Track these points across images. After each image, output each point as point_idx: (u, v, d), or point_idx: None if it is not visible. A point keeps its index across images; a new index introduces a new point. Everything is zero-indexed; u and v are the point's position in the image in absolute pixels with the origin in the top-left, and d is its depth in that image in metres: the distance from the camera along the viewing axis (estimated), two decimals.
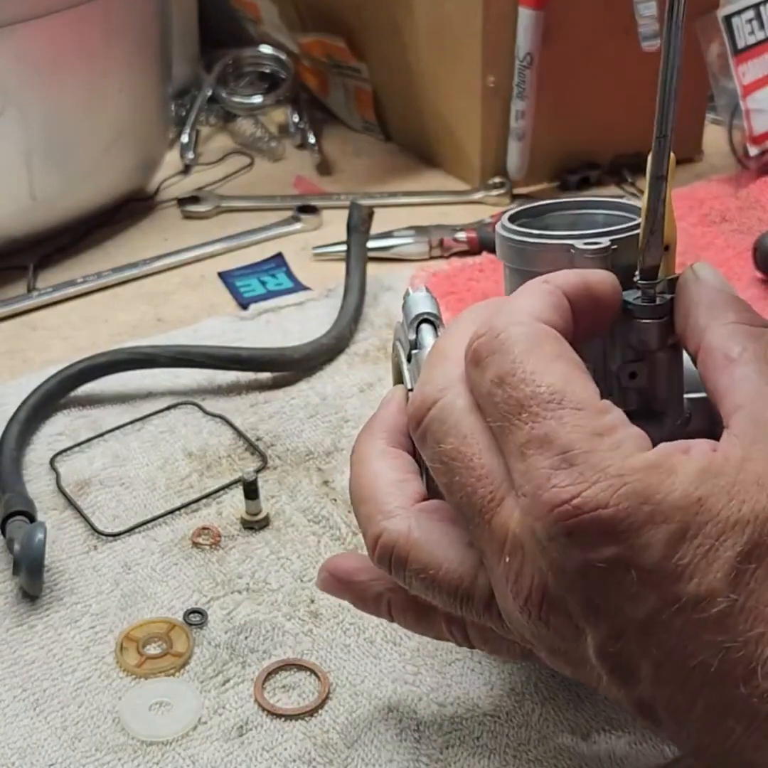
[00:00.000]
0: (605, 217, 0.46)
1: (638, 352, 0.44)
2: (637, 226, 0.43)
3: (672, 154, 0.41)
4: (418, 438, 0.42)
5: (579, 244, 0.44)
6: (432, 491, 0.44)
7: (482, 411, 0.40)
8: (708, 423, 0.39)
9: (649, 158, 0.41)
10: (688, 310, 0.42)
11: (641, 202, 0.43)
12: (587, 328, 0.42)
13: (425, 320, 0.48)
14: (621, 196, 0.99)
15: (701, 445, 0.38)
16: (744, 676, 0.36)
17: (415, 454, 0.46)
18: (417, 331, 0.48)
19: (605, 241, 0.43)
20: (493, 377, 0.39)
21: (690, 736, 0.38)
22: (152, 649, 0.56)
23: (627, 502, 0.36)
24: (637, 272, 0.43)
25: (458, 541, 0.42)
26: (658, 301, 0.43)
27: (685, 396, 0.45)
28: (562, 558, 0.37)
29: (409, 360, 0.48)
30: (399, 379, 0.51)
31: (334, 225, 0.94)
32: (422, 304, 0.49)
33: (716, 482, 0.37)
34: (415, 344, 0.48)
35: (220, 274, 0.90)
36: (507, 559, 0.38)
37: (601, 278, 0.42)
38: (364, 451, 0.47)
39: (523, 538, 0.38)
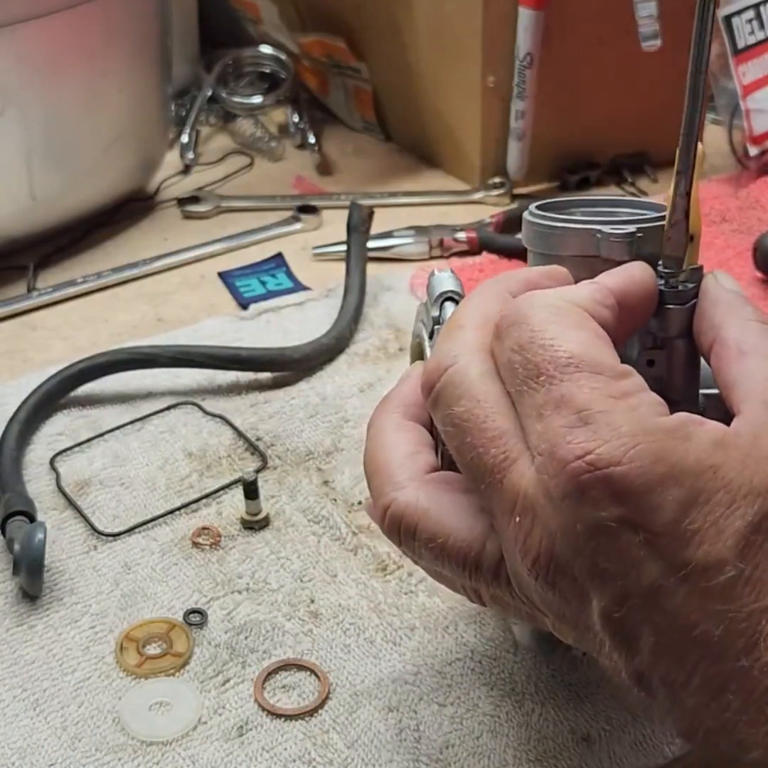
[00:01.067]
0: (628, 214, 0.47)
1: (657, 340, 0.45)
2: (663, 217, 0.44)
3: (700, 146, 0.42)
4: (430, 403, 0.42)
5: (606, 229, 0.45)
6: (446, 464, 0.45)
7: (503, 380, 0.41)
8: (721, 419, 0.39)
9: (677, 152, 0.42)
10: (706, 308, 0.43)
11: (663, 200, 0.43)
12: (633, 323, 0.43)
13: (449, 298, 0.49)
14: (622, 195, 0.99)
15: (715, 423, 0.39)
16: (746, 647, 0.36)
17: (431, 428, 0.46)
18: (441, 309, 0.49)
19: (632, 228, 0.44)
20: (513, 345, 0.40)
21: (684, 712, 0.38)
22: (152, 649, 0.56)
23: (639, 461, 0.36)
24: (660, 261, 0.44)
25: (467, 510, 0.42)
26: (680, 288, 0.44)
27: (701, 391, 0.46)
28: (573, 516, 0.37)
29: (431, 337, 0.49)
30: (417, 359, 0.51)
31: (334, 225, 0.95)
32: (447, 283, 0.50)
33: (729, 453, 0.37)
34: (438, 321, 0.49)
35: (220, 274, 0.90)
36: (517, 520, 0.39)
37: (644, 272, 0.43)
38: (378, 424, 0.47)
39: (535, 498, 0.38)
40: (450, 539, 0.42)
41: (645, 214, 0.46)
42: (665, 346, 0.45)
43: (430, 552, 0.43)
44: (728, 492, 0.36)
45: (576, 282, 0.44)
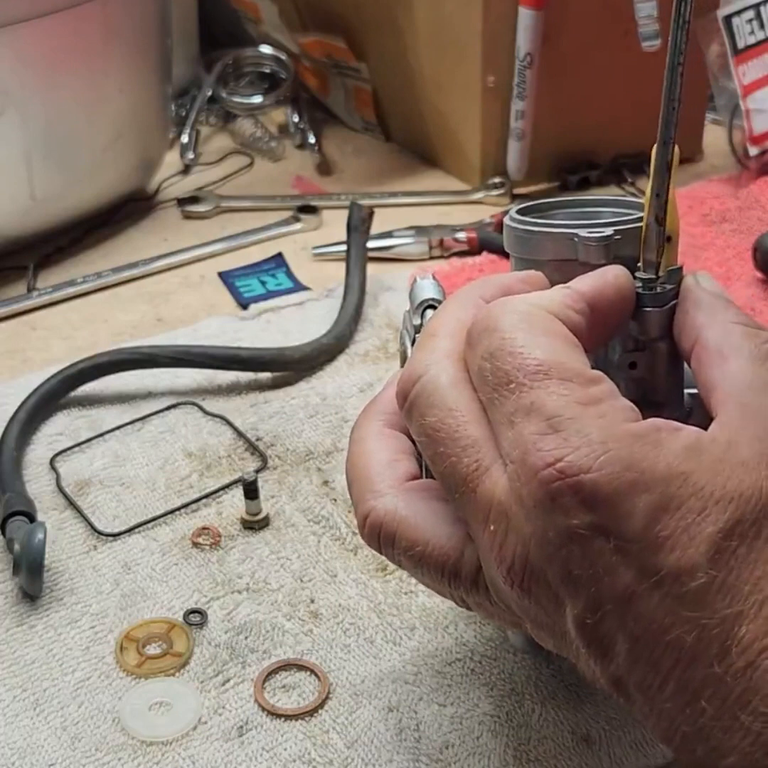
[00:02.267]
0: (611, 214, 0.47)
1: (638, 342, 0.44)
2: (641, 218, 0.43)
3: (676, 148, 0.42)
4: (404, 413, 0.42)
5: (582, 232, 0.44)
6: (427, 472, 0.45)
7: (475, 388, 0.41)
8: (708, 419, 0.39)
9: (653, 153, 0.42)
10: (687, 310, 0.43)
11: (644, 199, 0.43)
12: (609, 327, 0.43)
13: (431, 306, 0.49)
14: (622, 196, 0.99)
15: (690, 428, 0.38)
16: (719, 654, 0.36)
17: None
18: (422, 316, 0.49)
19: (608, 231, 0.44)
20: (483, 353, 0.40)
21: (661, 717, 0.38)
22: (152, 649, 0.56)
23: (609, 468, 0.36)
24: (639, 263, 0.44)
25: (445, 519, 0.43)
26: (658, 290, 0.43)
27: (686, 391, 0.46)
28: (545, 524, 0.37)
29: (413, 345, 0.49)
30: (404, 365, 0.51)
31: (334, 225, 0.95)
32: (428, 291, 0.50)
33: (702, 459, 0.37)
34: (419, 329, 0.49)
35: (220, 274, 0.90)
36: (491, 528, 0.39)
37: (619, 275, 0.43)
38: (361, 432, 0.47)
39: (508, 506, 0.38)
40: (428, 547, 0.42)
41: (628, 214, 0.46)
42: (646, 348, 0.44)
43: (408, 560, 0.43)
44: (700, 498, 0.36)
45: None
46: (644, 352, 0.44)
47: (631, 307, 0.43)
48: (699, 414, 0.40)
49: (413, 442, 0.46)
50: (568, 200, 0.49)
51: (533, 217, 0.47)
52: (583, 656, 0.39)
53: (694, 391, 0.45)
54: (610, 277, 0.43)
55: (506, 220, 0.47)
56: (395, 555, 0.43)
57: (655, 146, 0.41)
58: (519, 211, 0.48)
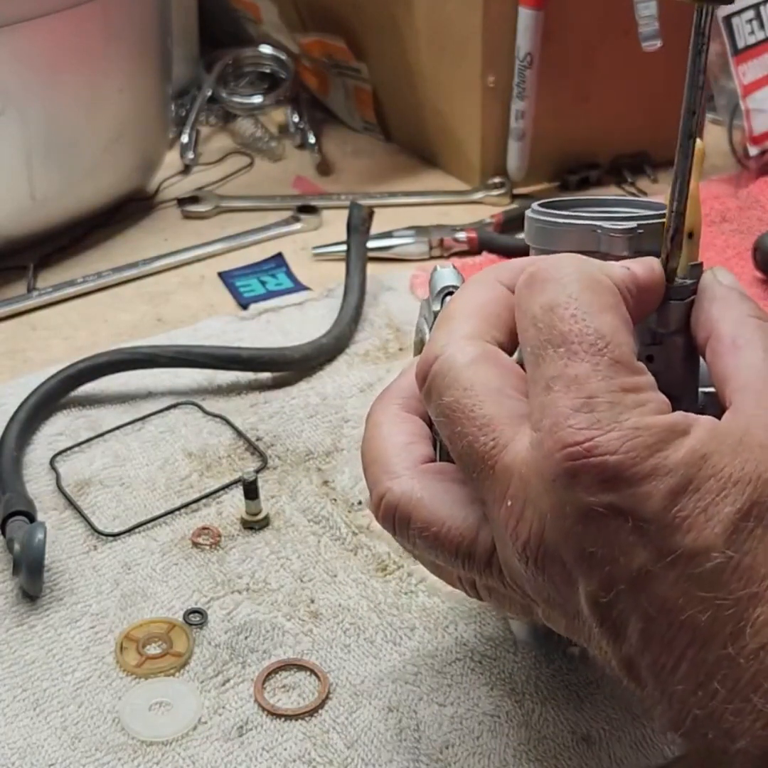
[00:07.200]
0: (630, 213, 0.47)
1: (656, 336, 0.45)
2: (663, 215, 0.44)
3: (700, 143, 0.42)
4: (424, 395, 0.43)
5: (607, 224, 0.45)
6: (443, 456, 0.45)
7: (521, 336, 0.40)
8: (720, 416, 0.40)
9: (677, 156, 0.42)
10: (703, 304, 0.44)
11: (664, 199, 0.44)
12: (641, 316, 0.43)
13: (450, 293, 0.49)
14: (623, 195, 0.99)
15: (708, 417, 0.39)
16: (733, 635, 0.36)
17: (429, 421, 0.46)
18: (441, 303, 0.49)
19: (632, 224, 0.45)
20: (544, 303, 0.39)
21: (672, 700, 0.38)
22: (152, 649, 0.56)
23: (635, 452, 0.37)
24: (658, 258, 0.44)
25: (461, 500, 0.43)
26: (680, 284, 0.44)
27: (700, 389, 0.46)
28: (562, 499, 0.37)
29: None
30: (420, 353, 0.52)
31: (334, 225, 0.95)
32: (448, 278, 0.50)
33: (721, 442, 0.37)
34: None
35: (220, 274, 0.90)
36: (508, 503, 0.39)
37: (650, 265, 0.43)
38: (377, 416, 0.47)
39: (527, 479, 0.38)
40: (444, 528, 0.42)
41: (646, 213, 0.46)
42: (664, 341, 0.45)
43: (424, 541, 0.43)
44: (719, 480, 0.37)
45: None
46: (661, 346, 0.45)
47: (659, 299, 0.44)
48: (711, 412, 0.40)
49: (429, 426, 0.47)
50: (587, 198, 0.49)
51: (553, 211, 0.47)
52: (595, 637, 0.39)
53: (708, 389, 0.45)
54: (657, 266, 0.43)
55: (528, 213, 0.48)
56: (410, 536, 0.44)
57: (677, 148, 0.42)
58: (540, 205, 0.48)
